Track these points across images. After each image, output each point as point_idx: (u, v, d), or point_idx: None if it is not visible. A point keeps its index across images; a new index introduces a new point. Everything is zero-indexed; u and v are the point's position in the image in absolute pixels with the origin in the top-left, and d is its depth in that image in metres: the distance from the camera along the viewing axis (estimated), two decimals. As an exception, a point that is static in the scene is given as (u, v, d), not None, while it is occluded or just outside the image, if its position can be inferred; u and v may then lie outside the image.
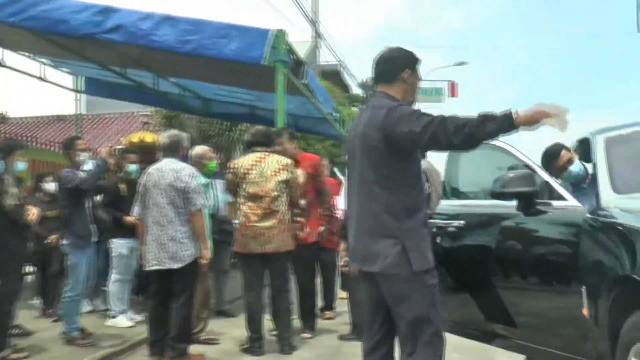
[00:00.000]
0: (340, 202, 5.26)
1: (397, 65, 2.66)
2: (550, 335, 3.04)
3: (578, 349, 2.76)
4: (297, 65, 6.34)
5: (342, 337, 5.03)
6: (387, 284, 2.57)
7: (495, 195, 3.09)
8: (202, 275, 4.62)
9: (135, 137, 9.16)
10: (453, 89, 24.24)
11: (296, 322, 5.09)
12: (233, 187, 4.68)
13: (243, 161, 4.68)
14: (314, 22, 18.46)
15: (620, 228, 2.43)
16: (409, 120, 2.42)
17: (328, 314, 6.12)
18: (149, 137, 8.90)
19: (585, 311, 2.71)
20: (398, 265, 2.48)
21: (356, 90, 33.16)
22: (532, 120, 2.34)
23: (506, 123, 2.32)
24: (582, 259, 2.80)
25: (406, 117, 2.44)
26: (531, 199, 3.01)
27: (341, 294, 7.11)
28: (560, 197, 2.98)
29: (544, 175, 3.11)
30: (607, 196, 2.83)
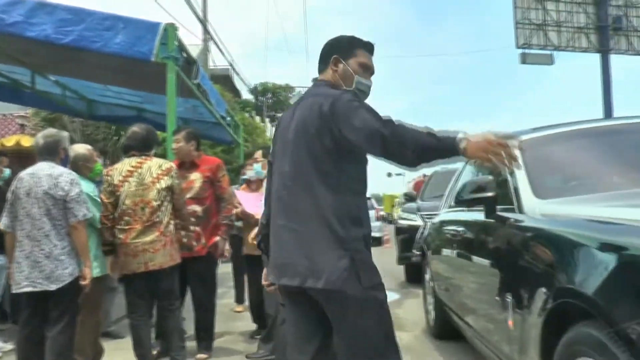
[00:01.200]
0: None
1: (327, 51, 2.42)
2: (490, 342, 3.03)
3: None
4: (188, 64, 5.94)
5: (248, 357, 4.64)
6: (331, 303, 2.18)
7: (459, 202, 3.04)
8: (96, 299, 4.09)
9: (10, 141, 8.27)
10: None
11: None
12: (107, 199, 4.03)
13: (120, 168, 4.09)
14: (203, 23, 17.86)
15: (552, 235, 2.29)
16: (363, 115, 2.10)
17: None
18: (26, 141, 8.07)
19: (510, 323, 2.57)
20: (347, 281, 2.11)
21: (247, 96, 32.84)
22: (482, 156, 1.98)
23: (449, 153, 2.00)
24: (506, 267, 2.68)
25: (355, 110, 2.12)
26: (492, 206, 2.96)
27: (237, 307, 6.76)
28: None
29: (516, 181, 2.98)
30: (529, 202, 2.71)
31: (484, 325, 3.18)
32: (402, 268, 8.77)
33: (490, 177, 3.05)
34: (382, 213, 18.42)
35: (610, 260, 1.83)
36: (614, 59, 17.84)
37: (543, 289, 2.19)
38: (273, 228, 2.33)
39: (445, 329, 4.75)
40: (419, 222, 7.77)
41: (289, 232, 2.23)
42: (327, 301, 2.19)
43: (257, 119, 29.99)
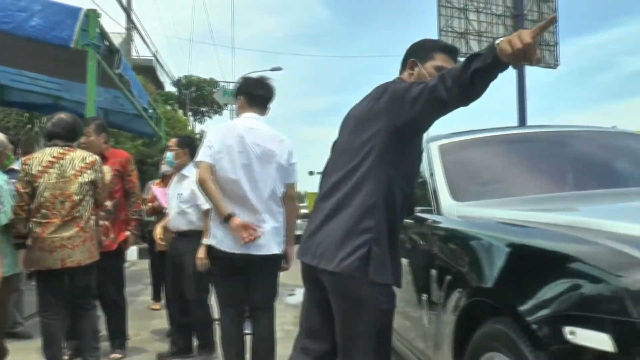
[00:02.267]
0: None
1: (407, 54, 2.43)
2: (406, 340, 3.12)
3: (426, 358, 2.76)
4: (110, 53, 5.76)
5: (161, 356, 4.55)
6: (335, 290, 2.18)
7: None
8: (2, 299, 3.88)
9: None
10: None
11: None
12: (24, 188, 3.77)
13: (39, 157, 3.83)
14: (127, 11, 17.31)
15: (467, 236, 2.39)
16: (406, 92, 2.09)
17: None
18: None
19: (426, 320, 2.66)
20: (356, 270, 2.09)
21: (170, 88, 32.15)
22: (512, 48, 1.80)
23: (489, 58, 1.87)
24: (423, 267, 2.77)
25: (402, 91, 2.12)
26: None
27: (154, 304, 6.62)
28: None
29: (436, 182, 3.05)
30: (447, 204, 2.81)
31: (402, 323, 3.27)
32: None
33: None
34: (304, 211, 18.63)
35: (518, 260, 1.94)
36: (528, 69, 18.68)
37: (457, 288, 2.28)
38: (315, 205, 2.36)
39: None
40: None
41: (319, 213, 2.28)
42: (332, 288, 2.18)
43: (180, 112, 29.41)
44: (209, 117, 38.14)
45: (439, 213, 2.83)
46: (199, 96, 36.02)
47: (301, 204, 22.62)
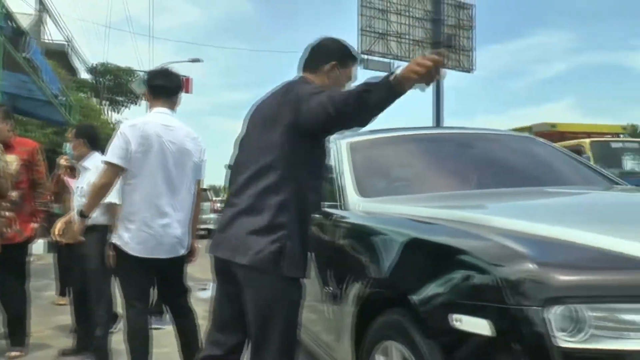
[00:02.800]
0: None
1: (324, 55, 2.46)
2: (312, 332, 3.18)
3: (330, 349, 2.83)
4: (17, 36, 5.52)
5: (64, 352, 4.42)
6: (249, 284, 2.24)
7: None
8: None
9: None
10: (187, 84, 24.15)
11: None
12: None
13: None
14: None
15: (368, 230, 2.49)
16: (308, 99, 2.15)
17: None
18: None
19: (329, 312, 2.75)
20: (270, 263, 2.17)
21: (85, 75, 30.99)
22: (410, 75, 1.95)
23: (384, 92, 2.00)
24: (327, 260, 2.86)
25: (305, 96, 2.17)
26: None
27: (59, 299, 6.40)
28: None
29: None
30: (353, 199, 2.91)
31: (308, 316, 3.34)
32: None
33: None
34: (218, 205, 18.51)
35: (412, 253, 2.05)
36: (447, 72, 19.32)
37: (357, 280, 2.38)
38: (225, 203, 2.42)
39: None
40: None
41: (231, 208, 2.32)
42: (245, 281, 2.24)
43: (95, 100, 28.40)
44: (126, 107, 37.04)
45: (344, 208, 2.92)
46: (116, 85, 34.87)
47: (216, 198, 22.41)
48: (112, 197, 3.61)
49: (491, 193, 2.94)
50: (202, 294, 7.00)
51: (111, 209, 3.86)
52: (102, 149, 4.46)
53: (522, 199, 2.73)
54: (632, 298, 1.50)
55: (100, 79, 33.47)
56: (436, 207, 2.46)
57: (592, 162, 10.17)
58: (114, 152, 3.21)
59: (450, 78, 34.10)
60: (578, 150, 11.00)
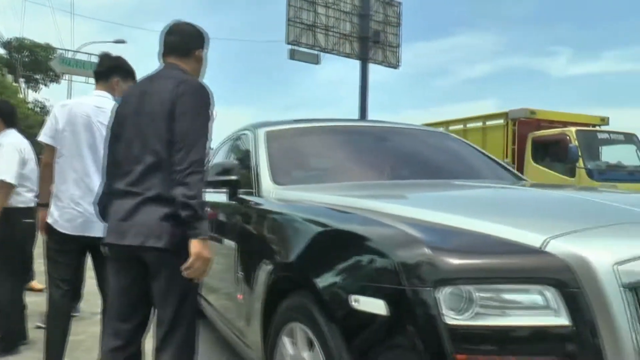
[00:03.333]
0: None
1: (194, 41, 2.57)
2: (227, 319, 3.23)
3: (241, 334, 2.88)
4: None
5: None
6: (162, 266, 2.33)
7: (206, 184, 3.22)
8: None
9: None
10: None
11: None
12: None
13: None
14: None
15: (279, 216, 2.55)
16: (193, 118, 2.30)
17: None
18: None
19: (240, 297, 2.79)
20: (180, 244, 2.26)
21: (-2, 51, 29.49)
22: (196, 264, 2.24)
23: (196, 222, 2.21)
24: (241, 245, 2.90)
25: (192, 111, 2.31)
26: (235, 188, 3.14)
27: (35, 284, 5.99)
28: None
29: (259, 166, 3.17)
30: (267, 187, 2.96)
31: (223, 303, 3.38)
32: None
33: (235, 162, 3.25)
34: None
35: (317, 238, 2.13)
36: (372, 67, 19.66)
37: (268, 264, 2.44)
38: (116, 193, 2.42)
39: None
40: None
41: (134, 197, 2.34)
42: (160, 263, 2.33)
43: (10, 77, 27.01)
44: (45, 85, 35.48)
45: (259, 195, 2.97)
46: (33, 62, 33.32)
47: None
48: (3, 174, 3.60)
49: (401, 184, 3.07)
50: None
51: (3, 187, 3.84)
52: (19, 127, 4.33)
53: (428, 190, 2.87)
54: (514, 279, 1.64)
55: (16, 55, 31.86)
56: (345, 196, 2.55)
57: (579, 152, 10.40)
58: (44, 131, 3.27)
59: (378, 73, 34.67)
60: (562, 140, 10.85)
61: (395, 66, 20.10)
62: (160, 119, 2.33)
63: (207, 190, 3.99)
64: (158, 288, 2.36)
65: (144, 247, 2.29)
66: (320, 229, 2.16)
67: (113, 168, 2.49)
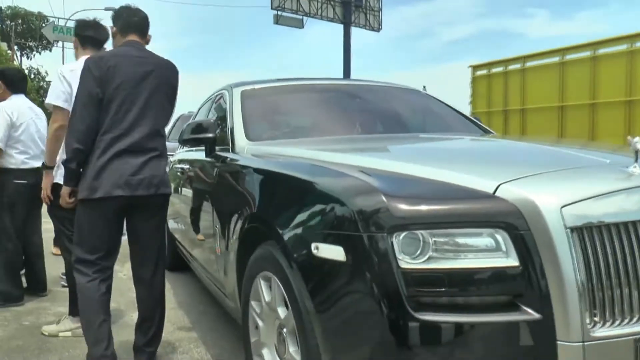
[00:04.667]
0: None
1: (148, 24, 2.90)
2: (208, 272, 3.25)
3: (220, 285, 2.88)
4: None
5: None
6: (160, 206, 2.80)
7: (183, 142, 3.16)
8: None
9: None
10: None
11: None
12: None
13: None
14: None
15: (250, 170, 2.52)
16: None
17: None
18: None
19: (218, 250, 2.78)
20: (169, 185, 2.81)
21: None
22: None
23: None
24: (217, 200, 2.87)
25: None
26: (212, 146, 3.15)
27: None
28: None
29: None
30: (241, 143, 2.92)
31: (205, 256, 3.36)
32: None
33: (212, 120, 3.19)
34: None
35: (283, 190, 2.10)
36: (355, 31, 19.40)
37: (240, 216, 2.41)
38: (123, 151, 2.60)
39: (176, 262, 4.89)
40: None
41: (142, 155, 2.64)
42: (164, 206, 2.84)
43: (4, 45, 26.42)
44: (38, 52, 34.84)
45: (233, 151, 2.93)
46: (26, 30, 32.59)
47: None
48: None
49: (368, 138, 3.03)
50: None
51: None
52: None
53: (392, 143, 2.82)
54: (467, 223, 1.62)
55: (10, 23, 31.13)
56: (311, 150, 2.50)
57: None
58: (58, 95, 3.14)
59: (362, 37, 34.19)
60: None
61: (377, 29, 19.84)
62: (163, 92, 2.75)
63: (186, 148, 4.00)
64: (154, 225, 2.78)
65: (156, 194, 2.67)
66: (285, 181, 2.13)
67: (102, 126, 2.61)
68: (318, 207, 1.83)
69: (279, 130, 3.23)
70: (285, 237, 1.91)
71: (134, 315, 3.02)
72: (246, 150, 2.83)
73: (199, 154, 3.62)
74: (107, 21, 3.43)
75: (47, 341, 3.29)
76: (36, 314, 3.83)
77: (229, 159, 2.89)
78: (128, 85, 2.61)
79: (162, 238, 2.84)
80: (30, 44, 33.12)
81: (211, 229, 2.96)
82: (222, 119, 3.35)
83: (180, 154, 4.80)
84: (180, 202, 4.12)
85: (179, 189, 4.18)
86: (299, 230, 1.87)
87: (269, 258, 2.09)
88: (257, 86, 3.52)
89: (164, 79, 2.74)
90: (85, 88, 2.59)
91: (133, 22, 2.81)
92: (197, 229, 3.49)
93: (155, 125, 2.68)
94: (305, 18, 18.33)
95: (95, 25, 3.48)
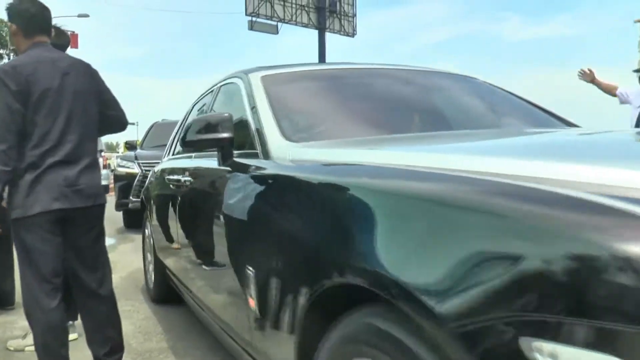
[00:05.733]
0: None
1: (51, 19, 2.56)
2: (223, 322, 2.28)
3: (258, 351, 1.85)
4: None
5: None
6: (98, 217, 2.56)
7: (186, 143, 2.21)
8: None
9: None
10: (74, 40, 21.77)
11: None
12: None
13: None
14: None
15: (315, 189, 1.54)
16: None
17: None
18: None
19: (252, 302, 1.79)
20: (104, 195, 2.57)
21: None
22: None
23: None
24: (249, 232, 1.87)
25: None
26: (229, 150, 2.17)
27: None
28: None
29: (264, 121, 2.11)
30: (278, 145, 1.94)
31: (216, 299, 2.38)
32: (120, 214, 8.33)
33: (227, 115, 2.20)
34: (108, 161, 16.92)
35: (409, 220, 1.10)
36: (329, 36, 18.64)
37: (307, 261, 1.43)
38: (57, 163, 2.35)
39: (166, 294, 3.87)
40: (136, 169, 7.73)
41: (74, 166, 2.39)
42: (100, 216, 2.56)
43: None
44: (9, 59, 33.19)
45: (266, 157, 1.95)
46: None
47: (113, 153, 20.76)
48: None
49: (456, 135, 2.09)
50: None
51: None
52: None
53: (509, 141, 1.88)
54: None
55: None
56: (401, 152, 1.55)
57: None
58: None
59: (336, 42, 33.54)
60: None
61: (351, 35, 19.02)
62: (86, 95, 2.47)
63: (184, 154, 3.10)
64: (94, 237, 2.54)
65: (94, 205, 2.47)
66: (408, 205, 1.13)
67: (29, 141, 2.32)
68: (533, 266, 0.85)
69: (323, 126, 2.23)
70: (443, 315, 0.94)
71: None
72: (288, 154, 1.85)
73: (205, 162, 2.63)
74: (81, 27, 2.79)
75: (12, 356, 3.08)
76: (2, 328, 3.55)
77: (260, 168, 1.91)
78: (50, 94, 2.35)
79: (104, 247, 2.64)
80: (1, 51, 31.44)
81: (236, 269, 1.97)
82: (234, 116, 2.36)
83: (167, 162, 3.77)
84: (175, 223, 3.09)
85: (171, 207, 3.16)
86: (481, 307, 0.90)
87: (380, 340, 1.12)
88: (280, 71, 2.56)
89: (83, 82, 2.47)
90: (3, 104, 2.25)
91: (39, 21, 2.46)
92: (207, 264, 2.49)
93: (84, 133, 2.44)
94: (280, 24, 17.41)
95: (57, 31, 3.01)
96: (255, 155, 2.03)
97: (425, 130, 2.24)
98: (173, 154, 3.78)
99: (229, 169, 2.18)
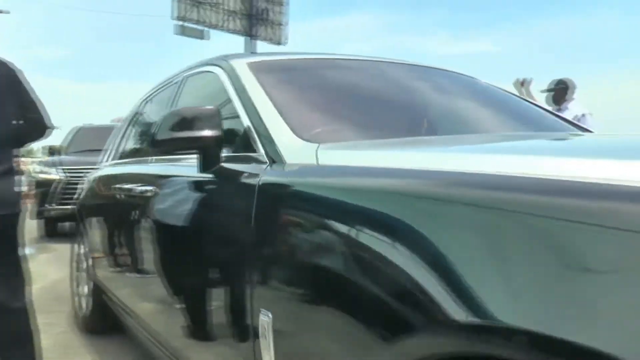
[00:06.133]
0: None
1: None
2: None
3: None
4: None
5: None
6: (12, 226, 2.33)
7: (157, 143, 1.66)
8: None
9: None
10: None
11: None
12: None
13: None
14: None
15: (351, 202, 1.07)
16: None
17: None
18: None
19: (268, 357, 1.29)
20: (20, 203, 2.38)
21: None
22: None
23: None
24: (269, 264, 1.37)
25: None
26: (215, 152, 1.63)
27: None
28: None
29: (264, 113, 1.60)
30: (293, 146, 1.46)
31: (202, 347, 1.84)
32: (39, 222, 7.59)
33: (213, 108, 1.68)
34: (28, 167, 15.65)
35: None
36: (261, 44, 18.26)
37: (387, 323, 0.95)
38: None
39: (102, 320, 3.25)
40: (56, 175, 7.27)
41: None
42: (13, 226, 2.32)
43: None
44: None
45: (276, 161, 1.45)
46: None
47: (31, 158, 19.44)
48: None
49: (486, 137, 1.70)
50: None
51: None
52: None
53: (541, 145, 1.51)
54: None
55: None
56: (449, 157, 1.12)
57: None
58: None
59: (267, 50, 33.32)
60: None
61: (281, 43, 18.65)
62: (2, 98, 2.27)
63: (136, 157, 2.57)
64: (9, 246, 2.34)
65: (12, 214, 2.29)
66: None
67: None
68: None
69: (339, 125, 1.74)
70: None
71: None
72: (305, 157, 1.37)
73: (171, 167, 2.09)
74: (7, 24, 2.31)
75: None
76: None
77: (263, 173, 1.41)
78: None
79: (19, 257, 2.40)
80: None
81: (236, 316, 1.47)
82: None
83: (110, 168, 3.14)
84: (126, 243, 2.49)
85: (120, 223, 2.57)
86: None
87: None
88: (265, 58, 2.08)
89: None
90: None
91: None
92: (181, 301, 1.95)
93: None
94: (208, 29, 16.75)
95: None
96: (253, 160, 1.53)
97: (418, 132, 1.82)
98: (120, 159, 3.14)
99: (212, 176, 1.67)
